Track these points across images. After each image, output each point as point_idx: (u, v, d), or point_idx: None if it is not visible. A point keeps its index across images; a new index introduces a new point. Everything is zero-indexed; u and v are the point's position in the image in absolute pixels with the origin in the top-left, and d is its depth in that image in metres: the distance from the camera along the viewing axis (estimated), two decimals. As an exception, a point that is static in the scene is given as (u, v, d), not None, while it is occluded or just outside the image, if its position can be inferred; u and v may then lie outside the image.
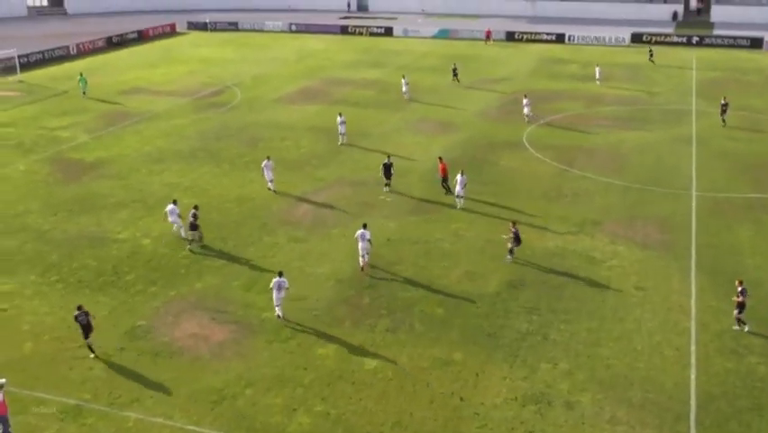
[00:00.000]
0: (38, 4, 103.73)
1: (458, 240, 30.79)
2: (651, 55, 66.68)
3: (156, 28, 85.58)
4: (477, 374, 21.87)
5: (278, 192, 35.97)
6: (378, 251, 29.44)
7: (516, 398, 20.82)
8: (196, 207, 30.60)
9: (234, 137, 45.03)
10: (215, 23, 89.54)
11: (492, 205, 34.23)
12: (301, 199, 35.28)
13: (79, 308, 23.11)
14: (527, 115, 47.43)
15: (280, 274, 25.12)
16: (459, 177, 33.80)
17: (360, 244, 27.92)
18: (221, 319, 24.96)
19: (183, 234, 30.93)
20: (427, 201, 34.83)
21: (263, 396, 21.00)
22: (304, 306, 25.70)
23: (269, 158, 36.73)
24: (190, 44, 79.89)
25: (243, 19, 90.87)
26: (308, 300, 26.05)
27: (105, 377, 21.95)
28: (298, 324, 24.61)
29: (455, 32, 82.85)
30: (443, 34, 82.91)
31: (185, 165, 40.18)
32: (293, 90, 57.58)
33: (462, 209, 33.64)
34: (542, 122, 47.83)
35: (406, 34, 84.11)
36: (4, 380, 19.20)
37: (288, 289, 24.96)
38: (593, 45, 77.07)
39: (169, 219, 31.13)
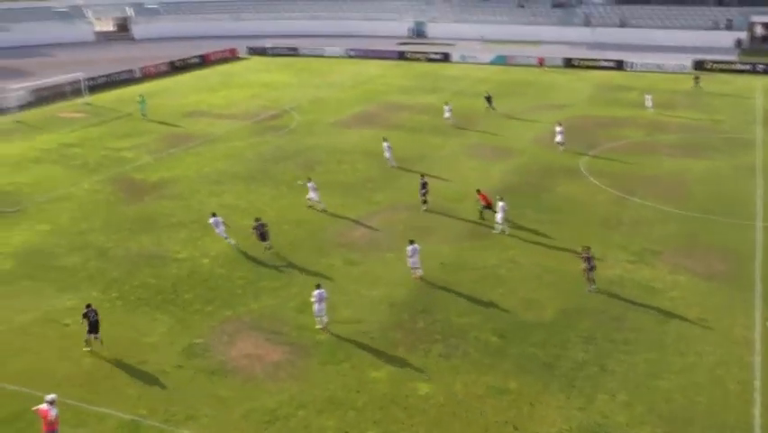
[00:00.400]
0: (106, 29, 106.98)
1: (514, 267, 30.51)
2: (696, 81, 65.78)
3: (217, 53, 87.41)
4: (532, 404, 21.54)
5: (335, 215, 36.22)
6: (432, 275, 29.41)
7: (571, 428, 20.43)
8: (257, 220, 32.15)
9: (291, 160, 45.56)
10: (275, 48, 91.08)
11: (549, 232, 33.86)
12: (357, 222, 35.44)
13: (88, 306, 24.75)
14: (560, 143, 46.84)
15: (318, 286, 25.88)
16: (499, 203, 33.74)
17: (410, 260, 28.92)
18: (275, 340, 25.11)
19: (232, 243, 32.20)
20: (483, 227, 34.62)
21: (316, 418, 21.02)
22: (358, 329, 25.71)
23: (310, 179, 37.69)
24: (250, 69, 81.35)
25: (303, 44, 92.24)
26: (363, 323, 26.06)
27: (161, 394, 22.24)
28: (352, 346, 24.62)
29: (512, 58, 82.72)
30: (500, 60, 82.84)
31: (243, 187, 40.75)
32: (350, 114, 58.10)
33: (517, 236, 33.35)
34: (601, 149, 47.28)
35: (463, 60, 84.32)
36: (54, 396, 19.68)
37: (327, 298, 25.63)
38: (654, 72, 76.06)
39: (216, 231, 32.43)
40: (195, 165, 45.08)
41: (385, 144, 43.96)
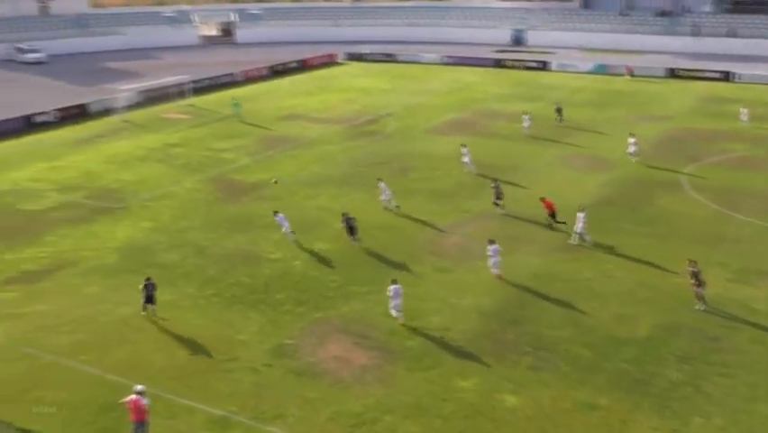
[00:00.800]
0: (210, 34, 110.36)
1: (608, 280, 29.80)
2: None
3: (316, 58, 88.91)
4: (623, 421, 20.97)
5: (426, 222, 36.25)
6: (523, 286, 29.10)
7: (664, 450, 19.79)
8: (344, 214, 34.08)
9: (385, 165, 45.83)
10: (373, 54, 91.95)
11: (646, 246, 32.93)
12: (449, 230, 35.35)
13: (148, 279, 27.48)
14: (632, 154, 45.68)
15: (395, 282, 26.90)
16: (579, 214, 33.13)
17: (492, 260, 29.76)
18: (364, 344, 25.29)
19: (291, 240, 33.76)
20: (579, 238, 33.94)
21: (402, 423, 21.05)
22: (446, 336, 25.63)
23: (380, 179, 38.82)
24: (348, 74, 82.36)
25: (400, 51, 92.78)
26: (451, 332, 25.96)
27: (252, 391, 22.72)
28: (440, 354, 24.56)
29: (613, 67, 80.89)
30: (601, 69, 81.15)
31: (337, 190, 41.27)
32: (445, 121, 58.04)
33: (612, 249, 32.57)
34: (702, 162, 45.68)
35: (561, 69, 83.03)
36: (142, 387, 20.36)
37: (403, 294, 26.58)
38: (763, 84, 72.94)
39: (283, 229, 33.58)
40: (291, 167, 45.93)
41: (464, 150, 44.18)
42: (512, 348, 24.88)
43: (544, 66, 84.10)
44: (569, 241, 33.56)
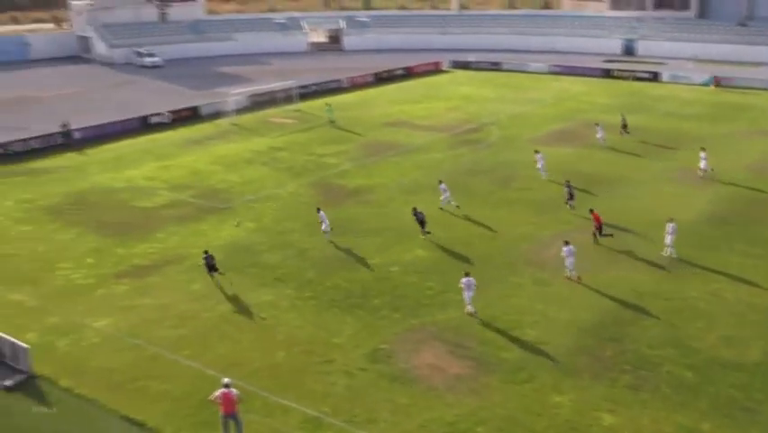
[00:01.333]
0: (318, 40, 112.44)
1: (716, 300, 28.59)
2: None
3: (422, 65, 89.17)
4: (727, 449, 20.06)
5: (525, 233, 35.77)
6: (625, 302, 28.30)
7: (771, 483, 18.80)
8: (414, 209, 35.69)
9: (487, 174, 45.48)
10: (478, 62, 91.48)
11: (759, 268, 31.41)
12: (549, 242, 34.73)
13: (206, 252, 31.03)
14: (703, 170, 43.97)
15: (467, 274, 28.01)
16: (669, 225, 32.35)
17: (567, 261, 30.19)
18: (459, 353, 25.14)
19: (327, 237, 34.92)
20: (684, 256, 32.73)
21: (494, 436, 20.79)
22: (543, 350, 25.18)
23: (441, 181, 39.96)
24: (452, 82, 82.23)
25: (506, 60, 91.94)
26: (548, 346, 25.48)
27: (345, 394, 22.93)
28: (536, 368, 24.14)
29: (729, 79, 77.63)
30: (714, 82, 77.97)
31: (437, 198, 41.17)
32: (549, 131, 57.12)
33: (721, 269, 31.22)
34: (825, 181, 43.27)
35: (673, 80, 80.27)
36: (229, 379, 20.87)
37: (476, 286, 27.67)
38: None
39: (322, 227, 34.77)
40: (393, 174, 46.21)
41: (537, 156, 44.56)
42: (610, 366, 24.20)
43: (654, 77, 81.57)
44: (661, 253, 32.67)
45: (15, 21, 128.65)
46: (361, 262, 32.85)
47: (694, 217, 37.24)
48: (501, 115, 63.07)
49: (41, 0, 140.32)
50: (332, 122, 60.28)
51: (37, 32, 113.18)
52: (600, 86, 78.09)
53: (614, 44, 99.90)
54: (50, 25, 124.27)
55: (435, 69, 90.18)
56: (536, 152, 45.41)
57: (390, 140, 55.12)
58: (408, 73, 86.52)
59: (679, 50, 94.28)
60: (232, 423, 20.46)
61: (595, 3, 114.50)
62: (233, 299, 29.26)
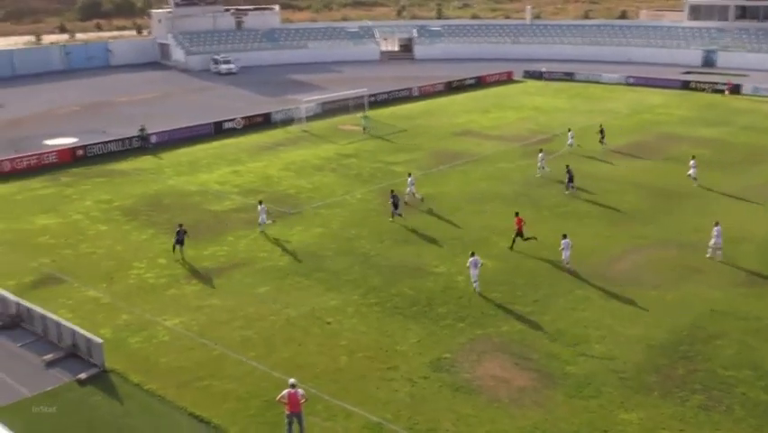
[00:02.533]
0: (390, 49, 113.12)
1: (794, 321, 27.54)
2: None
3: (493, 75, 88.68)
4: (803, 476, 19.25)
5: (596, 246, 35.14)
6: (699, 322, 27.46)
7: None
8: (392, 191, 39.18)
9: (556, 186, 44.82)
10: (551, 72, 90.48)
11: (841, 288, 30.15)
12: (620, 256, 34.04)
13: (180, 225, 34.40)
14: (692, 177, 44.19)
15: (473, 254, 30.09)
16: (714, 229, 32.86)
17: (564, 254, 31.98)
18: (523, 365, 24.82)
19: (260, 230, 37.14)
20: (762, 274, 31.66)
21: (557, 451, 20.43)
22: (611, 366, 24.64)
23: (410, 174, 42.96)
24: (524, 92, 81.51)
25: (579, 70, 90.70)
26: (616, 361, 24.92)
27: (407, 401, 22.87)
28: (602, 383, 23.64)
29: (815, 93, 74.91)
30: (800, 95, 75.38)
31: (504, 208, 40.81)
32: (623, 143, 56.00)
33: (803, 288, 30.08)
34: None
35: (755, 93, 77.84)
36: (293, 379, 21.08)
37: (483, 264, 30.17)
38: None
39: (259, 219, 37.16)
40: (459, 183, 46.01)
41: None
42: (681, 385, 23.51)
43: (735, 89, 79.28)
44: (706, 256, 33.03)
45: (99, 28, 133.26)
46: (427, 270, 32.77)
47: (773, 234, 36.08)
48: (573, 127, 62.05)
49: (124, 8, 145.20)
50: (365, 129, 60.43)
51: (119, 38, 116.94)
52: (678, 98, 76.31)
53: (693, 55, 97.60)
54: (132, 32, 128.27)
55: (507, 79, 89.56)
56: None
57: (459, 149, 54.92)
58: (479, 82, 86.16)
59: (762, 61, 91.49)
60: (296, 423, 20.69)
61: (673, 13, 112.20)
62: (300, 304, 29.55)
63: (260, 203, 37.99)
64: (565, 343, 26.13)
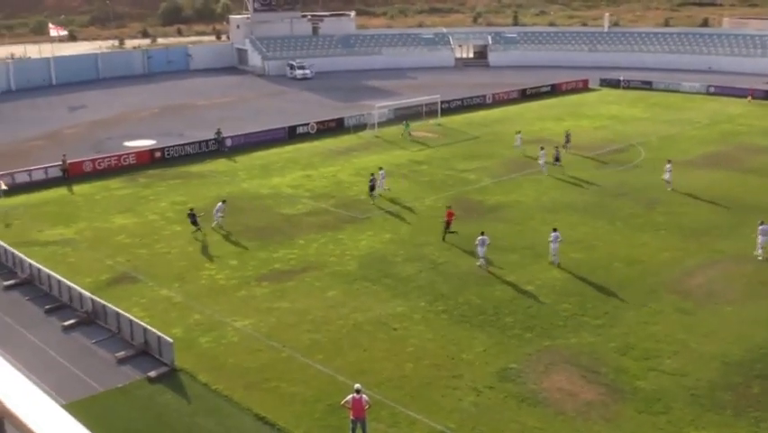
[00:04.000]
0: (464, 56, 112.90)
1: None
2: None
3: (569, 83, 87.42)
4: None
5: (671, 259, 34.31)
6: (777, 339, 26.53)
7: None
8: (371, 175, 43.33)
9: (632, 196, 43.95)
10: (629, 81, 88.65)
11: None
12: (695, 270, 33.13)
13: (191, 209, 38.44)
14: (667, 181, 44.86)
15: (482, 233, 33.21)
16: (760, 227, 34.03)
17: (551, 246, 33.36)
18: (591, 379, 24.38)
19: (213, 225, 39.12)
20: None
21: (624, 468, 19.99)
22: (683, 382, 23.99)
23: (381, 168, 45.95)
24: (600, 101, 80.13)
25: (658, 78, 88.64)
26: (689, 378, 24.26)
27: (472, 411, 22.73)
28: (673, 400, 23.03)
29: None
30: None
31: (577, 218, 40.25)
32: (701, 154, 54.53)
33: None
34: None
35: (844, 104, 74.82)
36: (358, 385, 21.16)
37: (489, 243, 33.06)
38: None
39: (216, 216, 39.19)
40: (532, 192, 45.54)
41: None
42: (756, 404, 22.73)
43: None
44: (754, 253, 33.50)
45: (180, 33, 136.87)
46: (496, 279, 32.53)
47: None
48: (651, 136, 60.82)
49: (204, 13, 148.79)
50: (403, 135, 60.84)
51: (198, 43, 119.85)
52: (761, 108, 73.82)
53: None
54: (211, 38, 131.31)
55: (583, 87, 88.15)
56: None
57: (532, 157, 54.28)
58: (554, 90, 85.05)
59: None
60: (359, 428, 20.81)
61: (757, 21, 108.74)
62: (367, 309, 29.70)
63: (223, 201, 40.14)
64: (636, 357, 25.57)
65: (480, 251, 33.32)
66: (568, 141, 55.18)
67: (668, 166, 45.24)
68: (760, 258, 33.65)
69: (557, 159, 49.70)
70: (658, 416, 22.25)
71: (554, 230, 33.91)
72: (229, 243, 37.62)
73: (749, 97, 77.26)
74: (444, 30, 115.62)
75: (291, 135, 62.41)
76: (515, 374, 24.74)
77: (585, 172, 49.86)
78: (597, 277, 32.39)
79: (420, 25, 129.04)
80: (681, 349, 26.10)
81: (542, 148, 49.81)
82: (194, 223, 38.02)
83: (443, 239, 36.79)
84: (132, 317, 27.52)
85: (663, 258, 34.50)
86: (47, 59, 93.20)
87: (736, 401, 22.93)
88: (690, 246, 35.92)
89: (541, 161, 49.03)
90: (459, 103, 75.24)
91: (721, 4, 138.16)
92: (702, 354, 25.75)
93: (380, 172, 44.87)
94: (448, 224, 36.86)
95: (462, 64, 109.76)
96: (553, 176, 48.74)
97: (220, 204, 39.77)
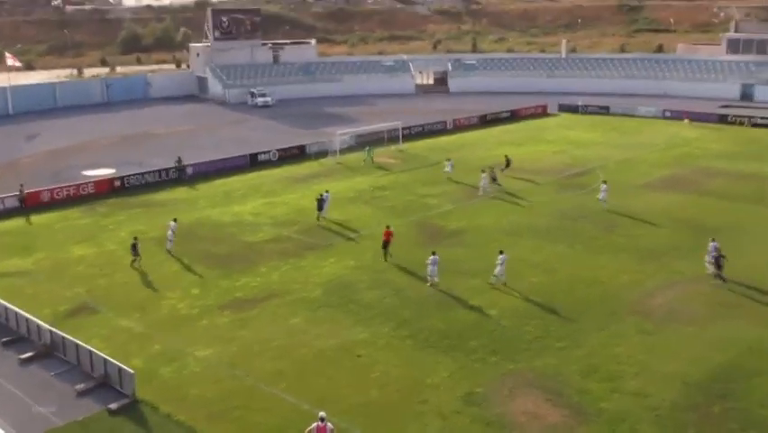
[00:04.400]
0: (424, 83, 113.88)
1: (836, 360, 26.85)
2: None
3: (528, 108, 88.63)
4: None
5: (631, 281, 34.74)
6: (736, 360, 26.89)
7: None
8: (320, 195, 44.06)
9: (591, 219, 44.49)
10: (587, 106, 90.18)
11: None
12: (655, 291, 33.56)
13: (135, 238, 38.16)
14: (602, 200, 46.68)
15: (434, 253, 34.09)
16: (710, 244, 35.29)
17: (497, 268, 33.63)
18: (555, 401, 24.47)
19: (168, 246, 39.93)
20: (802, 311, 31.00)
21: (590, 490, 20.02)
22: (646, 403, 24.19)
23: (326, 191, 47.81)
24: (559, 125, 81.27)
25: (615, 103, 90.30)
26: (651, 398, 24.47)
27: (437, 436, 22.64)
28: (637, 421, 23.18)
29: None
30: (842, 129, 74.17)
31: (538, 242, 40.59)
32: (658, 177, 55.49)
33: None
34: None
35: (794, 127, 76.83)
36: (323, 413, 20.98)
37: (440, 262, 33.73)
38: None
39: (168, 233, 39.88)
40: (492, 216, 45.84)
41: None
42: (717, 424, 23.00)
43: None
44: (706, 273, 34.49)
45: (139, 61, 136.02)
46: (459, 303, 32.59)
47: (814, 271, 35.38)
48: (609, 160, 61.76)
49: (163, 42, 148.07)
50: (366, 162, 61.29)
51: (158, 72, 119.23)
52: (715, 132, 75.53)
53: (731, 89, 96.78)
54: (171, 66, 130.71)
55: (542, 113, 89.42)
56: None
57: (458, 182, 54.54)
58: (514, 116, 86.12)
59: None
60: (324, 456, 20.60)
61: (710, 47, 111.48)
62: (331, 336, 29.51)
63: (174, 220, 41.05)
64: (599, 379, 25.75)
65: (431, 270, 34.11)
66: (508, 165, 57.11)
67: (603, 186, 47.26)
68: (709, 272, 34.82)
69: (494, 179, 52.13)
70: (622, 437, 22.39)
71: (501, 252, 34.36)
72: (190, 271, 37.21)
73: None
74: (405, 57, 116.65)
75: (253, 163, 62.19)
76: (480, 398, 24.73)
77: (545, 196, 50.39)
78: (559, 300, 32.62)
79: (381, 53, 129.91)
80: (642, 370, 26.34)
81: (483, 171, 51.83)
82: (134, 252, 37.60)
83: (385, 259, 37.71)
84: (91, 349, 26.99)
85: (624, 280, 34.91)
86: (3, 89, 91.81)
87: (698, 422, 23.16)
88: (650, 268, 36.40)
89: (482, 183, 50.87)
90: (420, 129, 75.75)
91: (675, 30, 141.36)
92: (664, 375, 26.01)
93: (325, 194, 46.11)
94: (386, 243, 37.86)
95: (423, 91, 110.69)
96: (498, 198, 49.20)
97: (172, 222, 40.55)
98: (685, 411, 23.72)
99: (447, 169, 56.38)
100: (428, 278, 34.38)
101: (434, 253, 34.49)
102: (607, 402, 24.26)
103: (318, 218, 44.90)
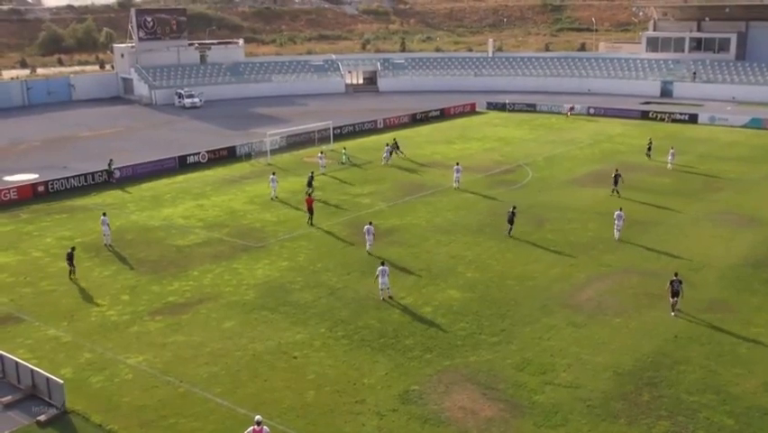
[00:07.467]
0: (355, 82, 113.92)
1: (756, 346, 27.92)
2: None
3: (457, 107, 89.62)
4: (769, 500, 19.38)
5: (560, 275, 35.43)
6: (663, 349, 27.71)
7: None
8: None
9: (521, 215, 45.05)
10: (514, 104, 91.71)
11: (801, 312, 30.69)
12: (584, 284, 34.33)
13: (73, 247, 36.71)
14: (456, 180, 52.17)
15: (383, 263, 32.86)
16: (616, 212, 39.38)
17: (380, 280, 32.43)
18: (491, 396, 24.78)
19: (106, 241, 40.03)
20: (724, 300, 32.14)
21: (526, 482, 20.35)
22: (578, 394, 24.72)
23: (274, 173, 51.63)
24: (487, 123, 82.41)
25: (541, 101, 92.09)
26: (582, 390, 25.02)
27: (375, 435, 22.67)
28: (570, 412, 23.67)
29: (769, 121, 76.78)
30: (756, 124, 77.20)
31: (471, 238, 41.07)
32: (585, 173, 56.82)
33: (762, 314, 30.53)
34: None
35: (711, 122, 79.68)
36: (259, 417, 20.84)
37: (389, 273, 32.64)
38: None
39: (105, 230, 40.42)
40: (426, 214, 46.18)
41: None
42: (647, 411, 23.65)
43: (692, 119, 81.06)
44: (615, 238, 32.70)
45: (61, 63, 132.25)
46: (394, 302, 32.70)
47: (734, 261, 36.69)
48: (536, 157, 62.94)
49: (86, 43, 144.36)
50: (342, 163, 61.44)
51: (81, 73, 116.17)
52: (637, 127, 77.76)
53: (651, 86, 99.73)
54: (95, 67, 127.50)
55: (471, 111, 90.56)
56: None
57: (424, 180, 55.22)
58: (443, 114, 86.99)
59: (717, 92, 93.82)
60: (262, 460, 20.41)
61: (630, 45, 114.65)
62: (266, 338, 29.26)
63: (104, 214, 41.51)
64: (532, 372, 26.19)
65: (382, 282, 32.42)
66: (396, 147, 63.14)
67: (457, 167, 52.61)
68: (617, 239, 39.29)
69: (391, 152, 61.10)
70: (557, 428, 22.81)
71: (382, 263, 33.22)
72: (120, 277, 36.38)
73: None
74: (334, 56, 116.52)
75: (182, 165, 61.19)
76: (417, 396, 24.87)
77: (476, 193, 51.00)
78: (492, 295, 33.08)
79: (309, 53, 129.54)
80: (574, 362, 26.92)
81: (387, 144, 61.77)
82: (70, 263, 36.10)
83: (311, 224, 43.20)
84: (17, 359, 26.12)
85: (554, 274, 35.60)
86: None
87: (628, 410, 23.78)
88: (579, 261, 37.22)
89: (384, 155, 60.66)
90: (351, 128, 75.79)
91: (597, 30, 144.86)
92: (595, 366, 26.62)
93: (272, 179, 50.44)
94: (311, 210, 43.69)
95: (353, 90, 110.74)
96: (431, 195, 49.68)
97: (102, 217, 41.00)
98: (616, 400, 24.33)
99: (385, 155, 59.98)
100: (380, 292, 32.68)
101: (382, 264, 32.96)
102: (540, 395, 24.70)
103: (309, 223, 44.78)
